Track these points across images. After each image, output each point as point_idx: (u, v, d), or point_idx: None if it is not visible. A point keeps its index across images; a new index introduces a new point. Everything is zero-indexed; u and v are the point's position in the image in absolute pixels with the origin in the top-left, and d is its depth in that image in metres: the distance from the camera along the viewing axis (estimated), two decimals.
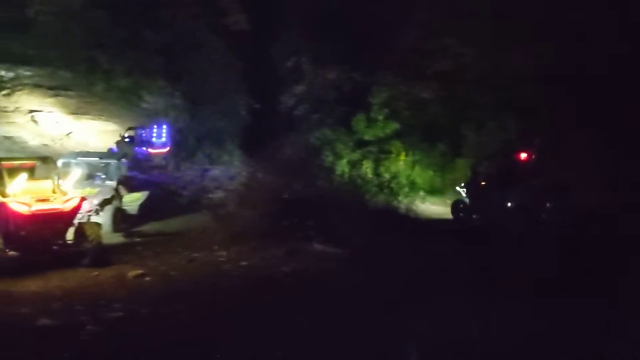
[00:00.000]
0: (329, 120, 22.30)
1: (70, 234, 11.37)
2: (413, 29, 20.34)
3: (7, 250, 10.18)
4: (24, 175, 10.90)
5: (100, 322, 7.58)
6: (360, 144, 21.85)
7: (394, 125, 21.78)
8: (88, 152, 18.46)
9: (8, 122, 21.78)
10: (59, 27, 21.59)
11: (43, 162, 11.84)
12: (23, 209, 10.18)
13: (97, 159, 16.41)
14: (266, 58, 23.70)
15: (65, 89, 23.07)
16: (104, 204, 14.87)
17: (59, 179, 11.49)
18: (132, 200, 15.65)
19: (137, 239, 14.48)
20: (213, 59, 23.32)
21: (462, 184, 18.49)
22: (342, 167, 20.88)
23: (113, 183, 15.52)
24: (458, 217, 17.80)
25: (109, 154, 17.42)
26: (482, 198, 16.83)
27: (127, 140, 20.83)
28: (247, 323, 7.55)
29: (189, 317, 7.89)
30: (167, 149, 21.00)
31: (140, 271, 10.56)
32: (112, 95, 22.89)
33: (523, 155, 16.18)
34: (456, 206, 18.09)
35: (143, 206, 15.77)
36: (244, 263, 11.36)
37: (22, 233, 10.33)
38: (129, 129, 21.43)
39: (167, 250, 12.86)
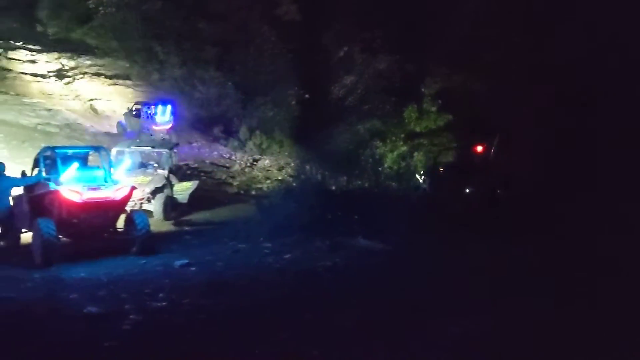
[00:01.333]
0: (378, 112, 22.04)
1: (121, 222, 11.73)
2: (466, 20, 19.77)
3: (60, 236, 10.54)
4: (76, 164, 11.24)
5: (142, 312, 7.76)
6: (411, 135, 21.48)
7: (447, 117, 21.29)
8: (141, 140, 18.90)
9: (68, 110, 22.59)
10: (118, 19, 22.30)
11: (96, 150, 12.20)
12: (75, 197, 10.52)
13: (150, 147, 16.78)
14: (317, 48, 23.64)
15: (124, 77, 23.81)
16: (155, 192, 15.28)
17: (111, 167, 11.82)
18: (183, 189, 15.96)
19: (186, 228, 14.78)
20: (264, 49, 23.48)
21: (421, 172, 19.61)
22: (391, 159, 20.61)
23: (165, 172, 15.88)
24: (417, 203, 18.25)
25: (162, 143, 17.78)
26: (440, 185, 17.78)
27: (134, 113, 21.32)
28: (284, 319, 7.55)
29: (228, 310, 7.96)
30: (170, 125, 21.31)
31: (186, 260, 10.76)
32: (167, 84, 23.44)
33: (479, 148, 17.57)
34: (415, 193, 18.75)
35: (193, 195, 16.06)
36: (287, 256, 11.37)
37: (74, 220, 10.71)
38: (136, 103, 21.87)
39: (213, 239, 13.05)
